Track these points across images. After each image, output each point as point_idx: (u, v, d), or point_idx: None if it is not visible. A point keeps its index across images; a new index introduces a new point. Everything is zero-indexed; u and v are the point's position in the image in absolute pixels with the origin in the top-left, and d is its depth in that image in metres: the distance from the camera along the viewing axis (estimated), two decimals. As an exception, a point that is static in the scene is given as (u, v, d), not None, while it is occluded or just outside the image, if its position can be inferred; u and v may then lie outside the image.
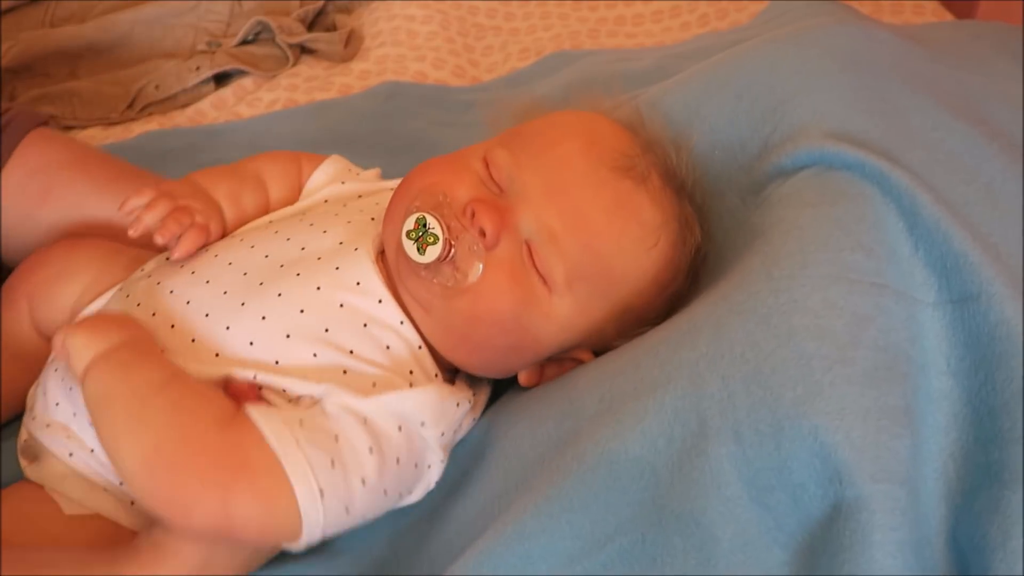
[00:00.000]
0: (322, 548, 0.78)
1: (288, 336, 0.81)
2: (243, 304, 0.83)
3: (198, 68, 1.62)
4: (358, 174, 1.02)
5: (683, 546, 0.67)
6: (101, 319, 0.82)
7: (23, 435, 0.91)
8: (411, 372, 0.82)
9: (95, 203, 1.09)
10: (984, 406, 0.71)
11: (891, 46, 1.01)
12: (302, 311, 0.82)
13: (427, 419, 0.78)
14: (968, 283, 0.75)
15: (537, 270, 0.82)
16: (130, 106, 1.57)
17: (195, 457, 0.71)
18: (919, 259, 0.77)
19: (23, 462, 0.89)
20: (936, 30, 1.24)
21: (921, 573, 0.64)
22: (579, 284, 0.82)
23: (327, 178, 1.01)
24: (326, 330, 0.81)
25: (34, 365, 0.95)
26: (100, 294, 0.95)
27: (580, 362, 0.87)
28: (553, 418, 0.80)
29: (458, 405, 0.81)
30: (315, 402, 0.78)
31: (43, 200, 1.10)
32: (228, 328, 0.82)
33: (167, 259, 0.89)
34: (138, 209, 0.90)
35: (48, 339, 0.96)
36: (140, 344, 0.78)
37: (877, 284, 0.73)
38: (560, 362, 0.88)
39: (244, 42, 1.69)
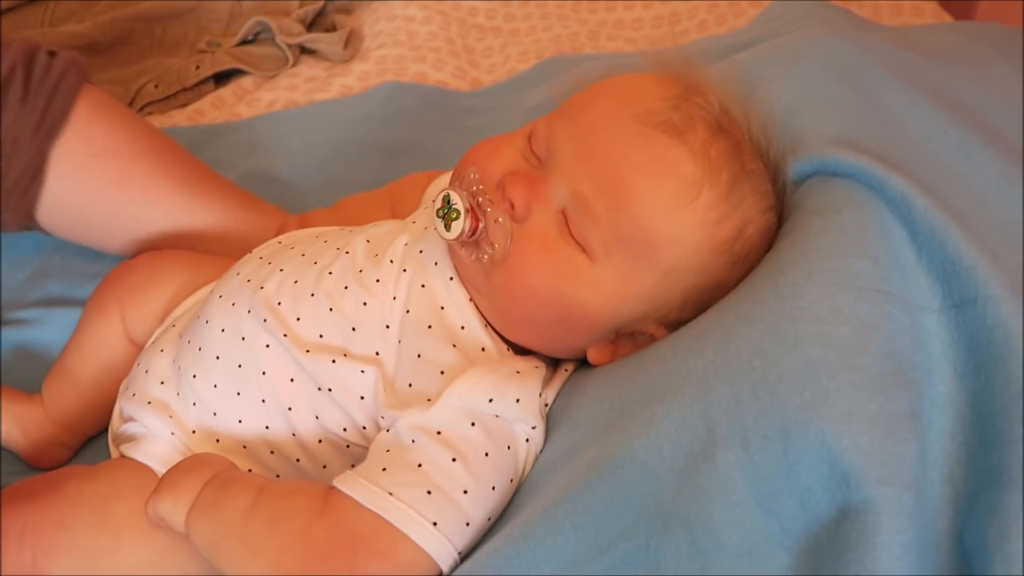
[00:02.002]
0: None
1: (354, 330, 0.84)
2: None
3: (198, 67, 1.62)
4: None
5: (688, 551, 0.68)
6: (174, 473, 0.83)
7: (115, 424, 0.94)
8: (483, 349, 0.83)
9: (179, 207, 1.12)
10: (986, 409, 0.71)
11: (884, 54, 1.01)
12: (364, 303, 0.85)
13: (493, 395, 0.78)
14: (966, 287, 0.75)
15: (574, 238, 0.80)
16: (129, 105, 1.57)
17: (313, 556, 0.74)
18: (923, 266, 0.77)
19: (116, 451, 0.93)
20: (934, 33, 1.24)
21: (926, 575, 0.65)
22: (618, 249, 0.79)
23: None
24: (407, 311, 0.84)
25: (122, 374, 0.99)
26: (189, 296, 1.00)
27: (654, 338, 0.83)
28: (565, 425, 0.80)
29: (518, 372, 0.81)
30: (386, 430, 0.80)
31: (119, 185, 1.10)
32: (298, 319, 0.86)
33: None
34: None
35: (138, 344, 1.01)
36: (218, 478, 0.81)
37: (882, 291, 0.73)
38: (632, 337, 0.84)
39: (244, 42, 1.69)
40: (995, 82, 1.04)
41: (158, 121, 1.57)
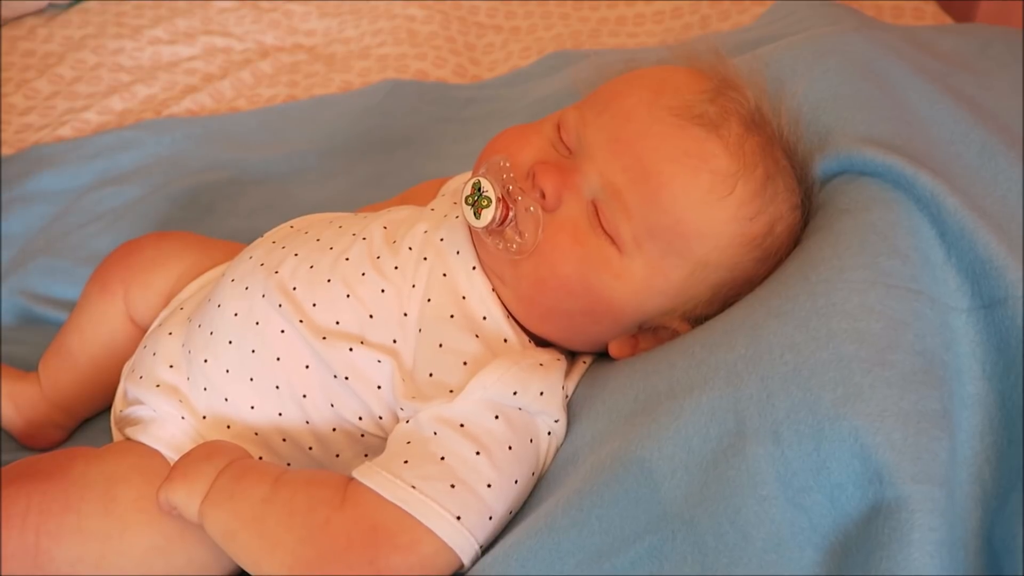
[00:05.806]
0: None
1: (371, 317, 0.83)
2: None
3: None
4: None
5: (715, 545, 0.67)
6: (186, 462, 0.81)
7: (119, 406, 0.93)
8: (505, 340, 0.82)
9: None
10: (1016, 409, 0.71)
11: (906, 54, 1.01)
12: (382, 290, 0.84)
13: (518, 387, 0.77)
14: (996, 287, 0.75)
15: (604, 229, 0.79)
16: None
17: (333, 549, 0.73)
18: (952, 265, 0.77)
19: (119, 434, 0.91)
20: (945, 36, 1.23)
21: (956, 574, 0.64)
22: (649, 241, 0.79)
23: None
24: (428, 300, 0.83)
25: (122, 355, 0.97)
26: (194, 278, 0.98)
27: (676, 333, 0.83)
28: (586, 416, 0.80)
29: (541, 364, 0.80)
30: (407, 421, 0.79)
31: None
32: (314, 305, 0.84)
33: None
34: None
35: (140, 326, 0.99)
36: (233, 467, 0.79)
37: (912, 290, 0.73)
38: (655, 331, 0.84)
39: (244, 36, 1.68)
40: (1007, 88, 1.04)
41: (155, 112, 1.56)
